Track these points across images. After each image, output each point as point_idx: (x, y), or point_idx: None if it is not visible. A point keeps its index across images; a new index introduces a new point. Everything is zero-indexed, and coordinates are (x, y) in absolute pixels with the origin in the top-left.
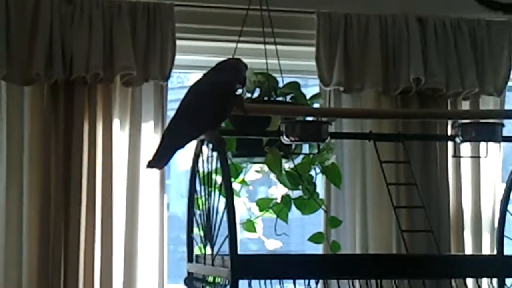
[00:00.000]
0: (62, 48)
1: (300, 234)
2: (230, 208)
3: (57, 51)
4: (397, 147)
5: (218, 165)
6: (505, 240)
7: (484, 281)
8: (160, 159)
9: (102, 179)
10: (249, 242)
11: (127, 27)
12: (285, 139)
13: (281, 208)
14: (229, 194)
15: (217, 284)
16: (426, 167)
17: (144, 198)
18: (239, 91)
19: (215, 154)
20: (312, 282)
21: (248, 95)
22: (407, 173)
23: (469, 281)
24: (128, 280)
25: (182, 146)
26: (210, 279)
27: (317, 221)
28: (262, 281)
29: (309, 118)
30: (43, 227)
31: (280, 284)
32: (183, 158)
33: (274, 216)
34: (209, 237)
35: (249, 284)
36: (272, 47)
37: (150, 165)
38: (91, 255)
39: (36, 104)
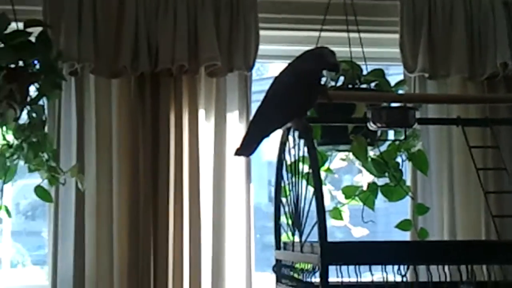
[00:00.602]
0: (148, 41)
1: (385, 223)
2: (318, 195)
3: (143, 44)
4: (484, 132)
5: (304, 153)
6: None
7: None
8: (247, 147)
9: (189, 169)
10: (336, 230)
11: (211, 18)
12: (371, 126)
13: (368, 196)
14: (317, 181)
15: (305, 271)
16: None
17: (230, 187)
18: (329, 76)
19: (301, 142)
20: (402, 268)
21: (332, 83)
22: (496, 158)
23: None
24: (216, 268)
25: (268, 134)
26: (298, 266)
27: (402, 210)
28: (351, 269)
29: (394, 105)
30: (132, 217)
31: (369, 271)
32: (264, 149)
33: (359, 204)
34: (297, 225)
35: (339, 270)
36: (356, 35)
37: (238, 153)
38: (180, 245)
39: (123, 96)
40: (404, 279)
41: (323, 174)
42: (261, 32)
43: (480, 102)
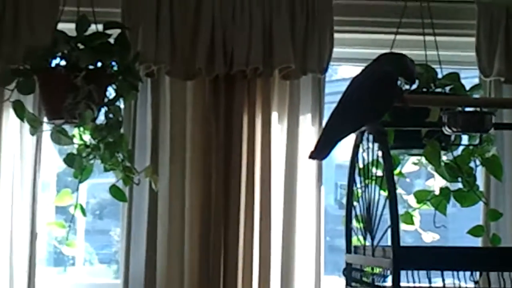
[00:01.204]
0: (223, 44)
1: (456, 229)
2: (392, 199)
3: (218, 47)
4: None
5: (377, 157)
6: None
7: None
8: (322, 150)
9: (261, 171)
10: (406, 235)
11: (286, 21)
12: (447, 130)
13: (440, 201)
14: (391, 185)
15: (376, 275)
16: None
17: (301, 190)
18: (406, 86)
19: (374, 145)
20: (475, 275)
21: (407, 87)
22: None
23: None
24: (286, 271)
25: (343, 138)
26: (368, 269)
27: (473, 216)
28: (423, 274)
29: (469, 109)
30: (203, 218)
31: (441, 276)
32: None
33: (430, 209)
34: (369, 229)
35: (411, 275)
36: (431, 38)
37: (312, 156)
38: (250, 247)
39: (198, 98)
40: (477, 286)
41: (395, 178)
42: (336, 35)
43: None
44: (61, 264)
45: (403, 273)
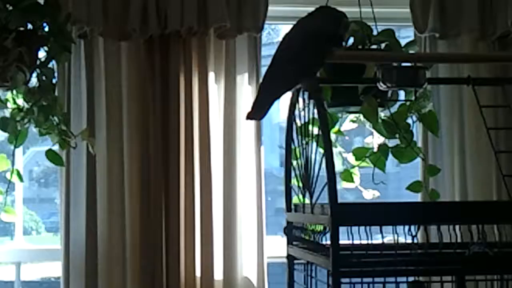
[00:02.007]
0: (157, 3)
1: (398, 187)
2: (328, 156)
3: (151, 6)
4: (495, 92)
5: (315, 115)
6: None
7: None
8: (259, 110)
9: (199, 132)
10: (346, 193)
11: None
12: (381, 85)
13: (378, 157)
14: (327, 142)
15: (316, 232)
16: None
17: (241, 149)
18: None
19: (311, 103)
20: (413, 229)
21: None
22: (507, 117)
23: None
24: (228, 232)
25: (279, 96)
26: (309, 227)
27: (414, 174)
28: (362, 230)
29: (403, 65)
30: (143, 179)
31: (380, 232)
32: (274, 111)
33: (371, 166)
34: (307, 187)
35: (350, 233)
36: None
37: (249, 116)
38: (191, 208)
39: (133, 59)
40: (415, 240)
41: (334, 136)
42: None
43: (490, 61)
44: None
45: (344, 231)
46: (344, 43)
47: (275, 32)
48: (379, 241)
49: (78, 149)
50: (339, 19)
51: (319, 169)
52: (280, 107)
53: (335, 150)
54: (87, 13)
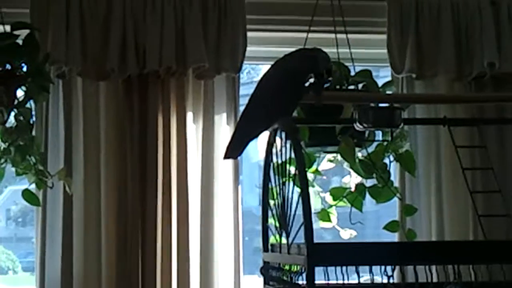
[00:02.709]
0: (135, 43)
1: (374, 226)
2: (305, 196)
3: (130, 46)
4: (472, 132)
5: (292, 154)
6: None
7: None
8: (235, 149)
9: (177, 172)
10: (324, 232)
11: (198, 19)
12: (358, 126)
13: (355, 197)
14: (303, 182)
15: (293, 273)
16: (502, 151)
17: (218, 190)
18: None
19: (288, 143)
20: (389, 269)
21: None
22: (483, 158)
23: None
24: (205, 272)
25: (256, 136)
26: (286, 267)
27: (392, 213)
28: (339, 270)
29: (380, 106)
30: (120, 221)
31: (356, 272)
32: (253, 150)
33: (349, 206)
34: (284, 226)
35: (326, 272)
36: (343, 36)
37: (226, 156)
38: (168, 248)
39: (111, 99)
40: (391, 280)
41: (311, 176)
42: (249, 34)
43: (467, 101)
44: None
45: (320, 271)
46: (327, 80)
47: (255, 71)
48: (356, 281)
49: (55, 189)
50: (316, 57)
51: (296, 208)
52: (259, 146)
53: (312, 190)
54: (65, 53)
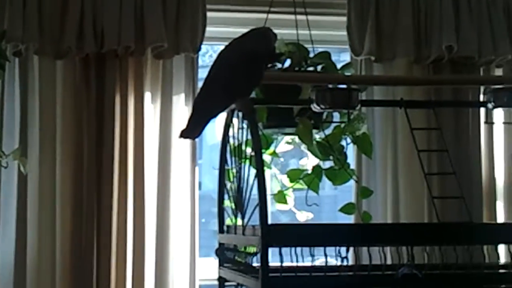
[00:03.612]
0: (93, 22)
1: (332, 209)
2: (260, 177)
3: (88, 25)
4: (429, 115)
5: (249, 136)
6: None
7: None
8: (193, 129)
9: (134, 152)
10: (281, 214)
11: None
12: (315, 107)
13: (312, 179)
14: (259, 163)
15: (249, 254)
16: (458, 134)
17: (175, 170)
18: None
19: (245, 124)
20: (343, 251)
21: (279, 65)
22: (439, 140)
23: (501, 248)
24: (160, 253)
25: (214, 116)
26: (242, 249)
27: (349, 197)
28: (293, 252)
29: (341, 87)
30: (76, 201)
31: (310, 253)
32: (213, 132)
33: (305, 188)
34: (240, 208)
35: (280, 253)
36: (303, 17)
37: (183, 135)
38: (124, 228)
39: (68, 77)
40: (345, 262)
41: (269, 158)
42: (209, 14)
43: (423, 84)
44: None
45: (276, 253)
46: (276, 61)
47: (215, 52)
48: (310, 263)
49: (10, 168)
50: (271, 39)
51: (251, 190)
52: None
53: (269, 172)
54: (22, 31)
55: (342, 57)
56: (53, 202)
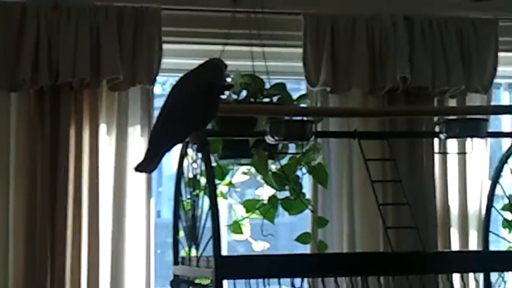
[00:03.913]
0: (49, 54)
1: (288, 238)
2: (213, 209)
3: (43, 57)
4: (384, 145)
5: (203, 167)
6: (491, 236)
7: (471, 276)
8: (149, 163)
9: (89, 184)
10: (237, 244)
11: (114, 31)
12: (269, 139)
13: (268, 209)
14: (212, 195)
15: (203, 286)
16: (412, 164)
17: (131, 202)
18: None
19: (200, 156)
20: (298, 281)
21: (235, 96)
22: (393, 171)
23: (456, 277)
24: (114, 284)
25: (169, 149)
26: (198, 280)
27: (306, 225)
28: (252, 284)
29: (296, 119)
30: (29, 233)
31: (264, 285)
32: (174, 162)
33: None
34: (194, 239)
35: (234, 285)
36: (259, 49)
37: (139, 169)
38: (78, 260)
39: (23, 110)
40: None
41: (225, 188)
42: (165, 46)
43: (377, 115)
44: None
45: (231, 284)
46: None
47: (172, 83)
48: None
49: None
50: (223, 70)
51: (205, 221)
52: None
53: (225, 202)
54: None
55: (302, 86)
56: (6, 235)
